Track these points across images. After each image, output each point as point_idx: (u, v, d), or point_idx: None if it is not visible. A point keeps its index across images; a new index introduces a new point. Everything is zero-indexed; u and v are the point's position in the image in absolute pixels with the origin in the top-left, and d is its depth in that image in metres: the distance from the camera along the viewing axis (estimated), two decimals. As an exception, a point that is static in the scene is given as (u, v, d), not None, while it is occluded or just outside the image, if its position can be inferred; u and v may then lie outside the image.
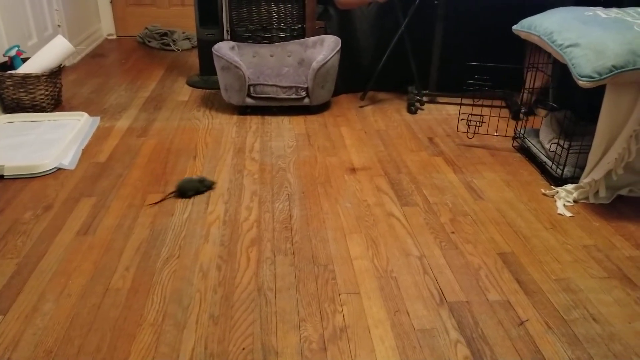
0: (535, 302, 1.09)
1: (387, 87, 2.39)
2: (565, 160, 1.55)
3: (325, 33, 2.28)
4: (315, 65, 2.01)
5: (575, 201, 1.48)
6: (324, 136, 1.91)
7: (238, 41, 2.25)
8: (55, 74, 2.06)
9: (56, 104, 2.12)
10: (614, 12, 1.52)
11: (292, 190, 1.51)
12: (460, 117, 2.05)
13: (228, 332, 1.00)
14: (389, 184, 1.57)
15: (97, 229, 1.31)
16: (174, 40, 3.11)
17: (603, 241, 1.31)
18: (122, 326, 1.00)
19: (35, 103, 2.01)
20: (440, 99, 2.31)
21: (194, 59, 2.86)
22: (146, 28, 3.22)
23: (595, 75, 1.32)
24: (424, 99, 2.27)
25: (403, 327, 1.02)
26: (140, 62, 2.82)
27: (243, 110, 2.11)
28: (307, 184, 1.56)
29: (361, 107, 2.21)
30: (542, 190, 1.54)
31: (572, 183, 1.52)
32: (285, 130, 1.95)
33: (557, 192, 1.51)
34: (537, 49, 1.70)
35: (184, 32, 3.19)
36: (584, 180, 1.48)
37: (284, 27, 2.30)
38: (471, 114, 1.88)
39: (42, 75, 1.98)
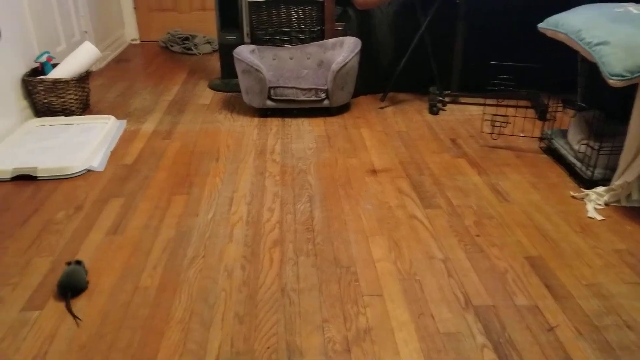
0: (565, 307, 1.06)
1: (408, 88, 2.37)
2: (596, 162, 1.50)
3: (345, 34, 2.28)
4: (334, 66, 2.02)
5: (606, 204, 1.44)
6: (344, 138, 1.91)
7: (258, 44, 2.28)
8: (84, 78, 2.13)
9: (84, 108, 2.18)
10: (646, 8, 1.47)
11: (313, 192, 1.52)
12: (484, 118, 2.02)
13: (253, 330, 1.01)
14: (411, 186, 1.55)
15: (126, 228, 1.34)
16: (195, 44, 3.16)
17: (636, 245, 1.26)
18: (151, 323, 1.03)
19: (65, 107, 2.08)
20: (462, 100, 2.27)
21: (215, 62, 2.90)
22: (168, 33, 3.28)
23: (627, 74, 1.28)
24: (446, 99, 2.24)
25: (427, 330, 1.00)
26: (163, 66, 2.88)
27: (264, 113, 2.13)
28: (327, 185, 1.56)
29: (381, 108, 2.20)
30: (571, 193, 1.50)
31: (602, 185, 1.47)
32: (306, 132, 1.96)
33: (587, 194, 1.46)
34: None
35: (205, 36, 3.25)
36: (616, 182, 1.43)
37: (303, 30, 2.31)
38: (495, 115, 1.85)
39: (72, 80, 2.05)
